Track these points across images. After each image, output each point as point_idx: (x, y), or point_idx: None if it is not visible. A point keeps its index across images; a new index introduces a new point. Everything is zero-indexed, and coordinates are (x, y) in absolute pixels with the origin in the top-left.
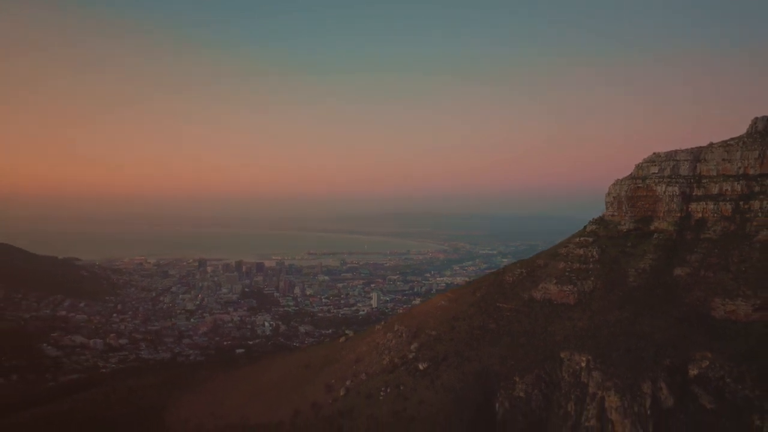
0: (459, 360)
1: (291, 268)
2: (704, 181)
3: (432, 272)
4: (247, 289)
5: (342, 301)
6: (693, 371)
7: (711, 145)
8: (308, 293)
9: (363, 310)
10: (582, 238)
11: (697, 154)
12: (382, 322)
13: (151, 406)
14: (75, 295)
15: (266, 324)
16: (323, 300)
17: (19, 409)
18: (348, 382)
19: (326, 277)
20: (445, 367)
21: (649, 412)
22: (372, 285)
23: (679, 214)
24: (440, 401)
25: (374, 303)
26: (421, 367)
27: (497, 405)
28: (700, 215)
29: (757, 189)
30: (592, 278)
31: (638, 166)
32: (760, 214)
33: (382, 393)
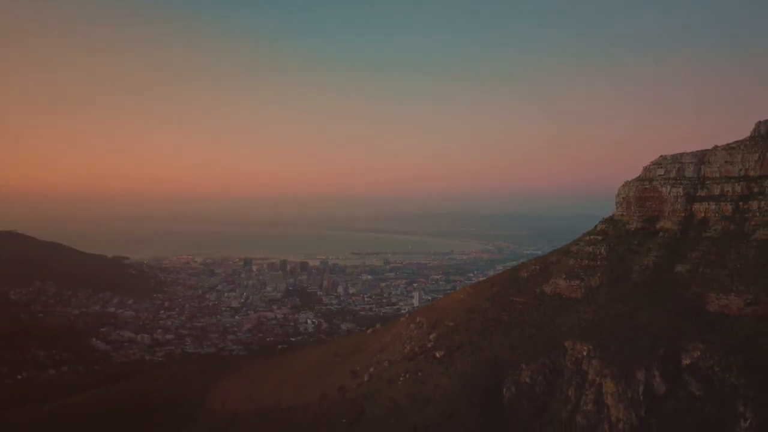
0: (472, 349)
1: (335, 267)
2: (707, 182)
3: (475, 272)
4: (291, 288)
5: (384, 300)
6: (685, 361)
7: (715, 148)
8: (351, 292)
9: (404, 309)
10: (592, 237)
11: (701, 157)
12: (407, 315)
13: (192, 390)
14: (123, 293)
15: (309, 321)
16: (365, 298)
17: (69, 394)
18: (372, 369)
19: (369, 277)
20: (459, 355)
21: (642, 397)
22: (414, 284)
23: (683, 214)
24: (453, 385)
25: (416, 302)
26: (438, 355)
27: (504, 389)
28: (702, 215)
29: (756, 190)
30: (599, 274)
31: (646, 169)
32: (758, 214)
33: (401, 378)
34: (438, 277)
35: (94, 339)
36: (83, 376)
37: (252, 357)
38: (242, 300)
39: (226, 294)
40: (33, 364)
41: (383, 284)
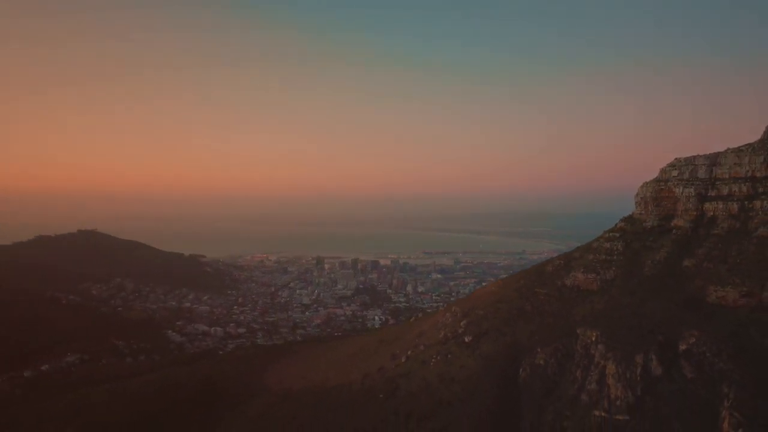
0: (497, 335)
1: (405, 266)
2: (717, 183)
3: None
4: (361, 286)
5: (452, 299)
6: (682, 347)
7: (727, 150)
8: (420, 290)
9: None
10: (611, 234)
11: (713, 159)
12: (445, 305)
13: (253, 371)
14: (199, 289)
15: (376, 318)
16: (433, 297)
17: (144, 374)
18: (409, 352)
19: (439, 276)
20: (485, 340)
21: (639, 378)
22: (483, 283)
23: (694, 213)
24: (477, 366)
25: None
26: (466, 339)
27: (521, 370)
28: (712, 213)
29: (761, 190)
30: (614, 268)
31: (662, 170)
32: (760, 213)
33: (433, 360)
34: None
35: (169, 331)
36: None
37: (308, 343)
38: (313, 297)
39: (297, 291)
40: (112, 353)
41: (452, 283)
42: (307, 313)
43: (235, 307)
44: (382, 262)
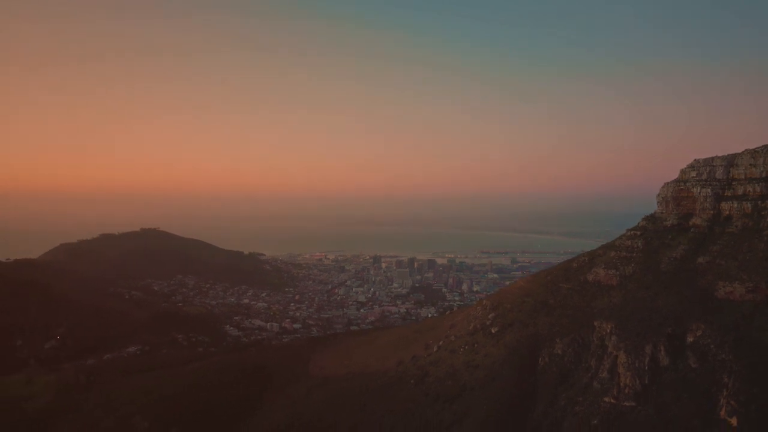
0: (521, 326)
1: (461, 265)
2: (734, 183)
3: None
4: (416, 285)
5: None
6: (689, 338)
7: (744, 152)
8: (475, 289)
9: None
10: (632, 232)
11: (731, 160)
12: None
13: (298, 359)
14: (258, 286)
15: (429, 315)
16: (488, 295)
17: (201, 359)
18: (441, 342)
19: (495, 275)
20: (509, 331)
21: (647, 367)
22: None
23: (711, 212)
24: (499, 355)
25: None
26: (493, 330)
27: (540, 359)
28: (727, 213)
29: None
30: (633, 264)
31: (682, 171)
32: None
33: (461, 349)
34: None
35: (227, 326)
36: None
37: (350, 334)
38: (369, 295)
39: (354, 289)
40: (172, 345)
41: (508, 282)
42: (362, 310)
43: (292, 303)
44: (439, 261)
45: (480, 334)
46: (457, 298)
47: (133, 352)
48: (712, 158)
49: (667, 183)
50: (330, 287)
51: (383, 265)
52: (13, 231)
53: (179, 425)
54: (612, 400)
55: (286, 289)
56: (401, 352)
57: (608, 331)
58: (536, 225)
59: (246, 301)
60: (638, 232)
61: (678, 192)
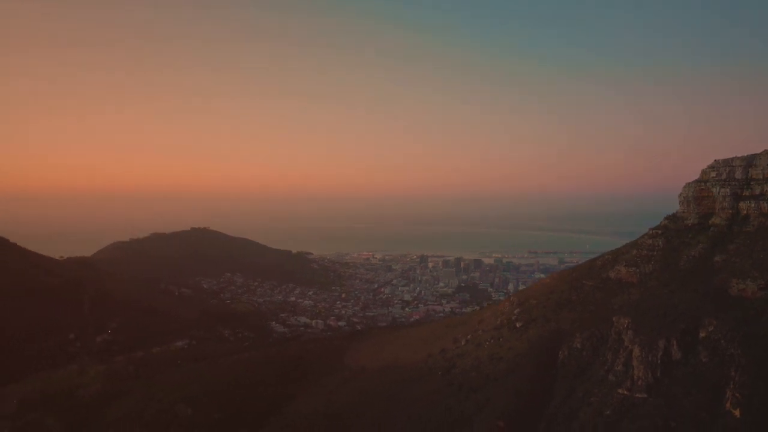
0: (543, 321)
1: (509, 265)
2: (752, 183)
3: None
4: (462, 284)
5: None
6: (701, 334)
7: (763, 152)
8: (521, 289)
9: None
10: (654, 231)
11: (750, 161)
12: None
13: (335, 351)
14: (305, 284)
15: None
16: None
17: (243, 352)
18: (469, 336)
19: (542, 275)
20: (533, 326)
21: (659, 361)
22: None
23: (730, 212)
24: (522, 348)
25: None
26: (518, 325)
27: (560, 352)
28: (745, 212)
29: None
30: (653, 262)
31: (703, 171)
32: None
33: (487, 342)
34: None
35: (273, 322)
36: None
37: (385, 329)
38: (414, 294)
39: (400, 288)
40: (219, 340)
41: None
42: (407, 309)
43: (338, 302)
44: (486, 261)
45: (505, 328)
46: (503, 298)
47: (180, 347)
48: (732, 158)
49: (688, 183)
50: (376, 286)
51: (430, 264)
52: (68, 230)
53: (221, 412)
54: (625, 392)
55: (333, 288)
56: (431, 345)
57: (625, 326)
58: (581, 225)
59: (293, 299)
60: (660, 231)
61: (698, 192)
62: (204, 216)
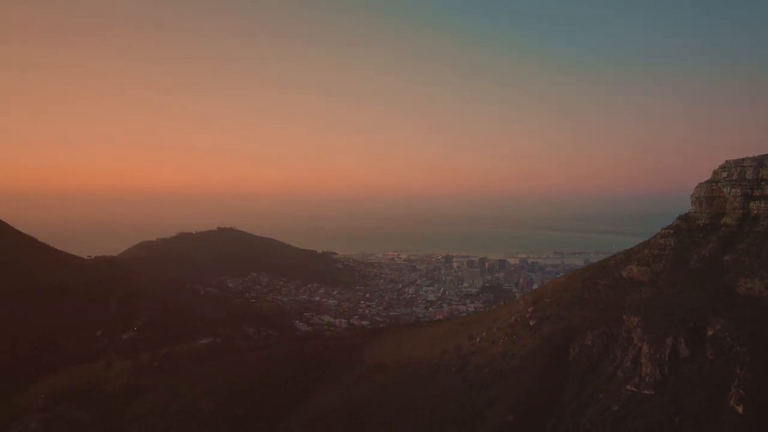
0: (556, 319)
1: (534, 265)
2: (762, 183)
3: None
4: (487, 284)
5: None
6: (709, 332)
7: None
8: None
9: None
10: (666, 230)
11: (761, 161)
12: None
13: (353, 348)
14: (329, 284)
15: None
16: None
17: (264, 348)
18: (483, 334)
19: None
20: (546, 324)
21: (667, 359)
22: None
23: (740, 212)
24: (534, 345)
25: None
26: (531, 323)
27: (571, 349)
28: (756, 212)
29: None
30: (664, 262)
31: (714, 172)
32: None
33: (501, 340)
34: None
35: (297, 321)
36: None
37: (403, 327)
38: (438, 294)
39: (424, 288)
40: (243, 338)
41: None
42: (430, 309)
43: (362, 301)
44: (511, 261)
45: (519, 326)
46: None
47: (205, 344)
48: (743, 159)
49: (701, 183)
50: (400, 286)
51: (455, 264)
52: (95, 229)
53: (242, 406)
54: (633, 389)
55: (357, 288)
56: (447, 342)
57: (635, 324)
58: (607, 225)
59: (317, 298)
60: (671, 231)
61: (710, 192)
62: (230, 216)
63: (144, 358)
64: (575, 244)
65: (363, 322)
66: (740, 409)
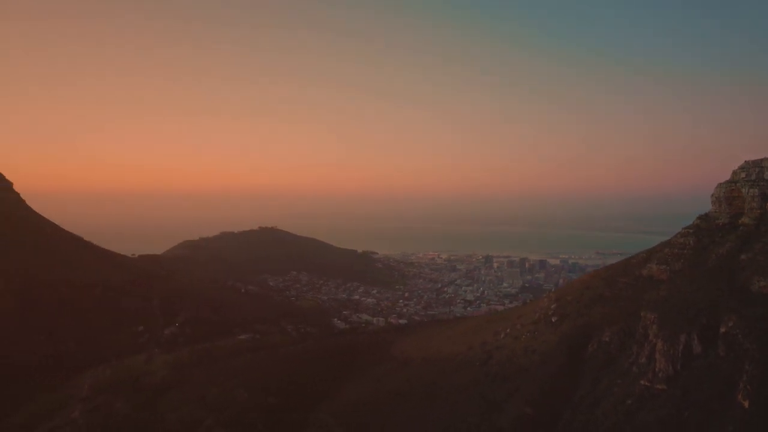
0: (577, 316)
1: (574, 266)
2: None
3: None
4: (526, 285)
5: None
6: (722, 329)
7: None
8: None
9: None
10: (686, 230)
11: None
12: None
13: (383, 343)
14: (369, 283)
15: None
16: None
17: (299, 343)
18: (508, 330)
19: None
20: (567, 320)
21: (680, 354)
22: None
23: (758, 211)
24: (554, 341)
25: None
26: (553, 320)
27: (589, 345)
28: None
29: None
30: (682, 260)
31: (734, 172)
32: None
33: (524, 336)
34: None
35: (335, 319)
36: None
37: (432, 324)
38: (477, 294)
39: (463, 288)
40: (281, 334)
41: None
42: (468, 308)
43: (401, 300)
44: (551, 261)
45: (542, 322)
46: None
47: (243, 339)
48: (762, 159)
49: (720, 183)
50: (440, 286)
51: (495, 265)
52: (141, 229)
53: (275, 395)
54: (647, 383)
55: (397, 287)
56: (473, 338)
57: (651, 321)
58: (651, 225)
59: (356, 297)
60: (691, 230)
61: (729, 192)
62: (273, 216)
63: (184, 352)
64: (618, 245)
65: (401, 321)
66: (746, 404)
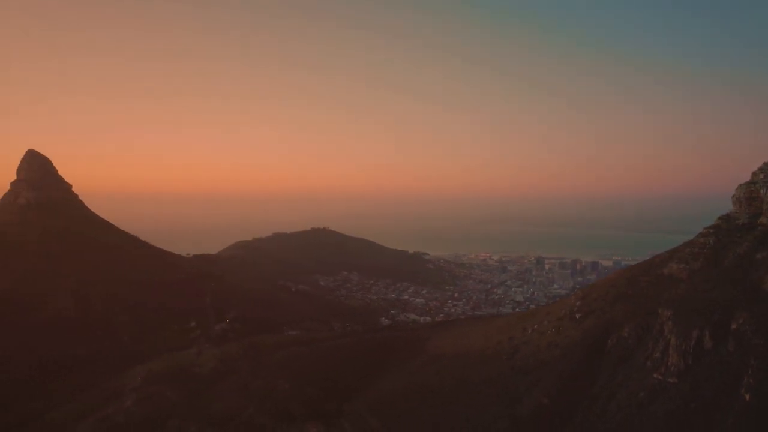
0: (600, 313)
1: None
2: None
3: None
4: (577, 286)
5: None
6: (733, 326)
7: None
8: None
9: None
10: (707, 230)
11: None
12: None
13: (419, 339)
14: (419, 284)
15: None
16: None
17: (339, 338)
18: (535, 326)
19: None
20: (590, 317)
21: (691, 350)
22: None
23: None
24: (576, 336)
25: None
26: (577, 316)
27: (608, 340)
28: None
29: None
30: (701, 260)
31: (753, 173)
32: None
33: (549, 331)
34: None
35: (383, 318)
36: None
37: (467, 320)
38: (527, 295)
39: (513, 289)
40: (328, 331)
41: None
42: (517, 309)
43: (450, 301)
44: (604, 263)
45: (566, 319)
46: None
47: (289, 335)
48: None
49: (741, 184)
50: (489, 287)
51: (546, 266)
52: (197, 229)
53: (314, 385)
54: (659, 377)
55: (446, 288)
56: (502, 334)
57: (667, 317)
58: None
59: (405, 297)
60: (712, 230)
61: (749, 193)
62: (327, 217)
63: (232, 346)
64: (669, 244)
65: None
66: (747, 397)
